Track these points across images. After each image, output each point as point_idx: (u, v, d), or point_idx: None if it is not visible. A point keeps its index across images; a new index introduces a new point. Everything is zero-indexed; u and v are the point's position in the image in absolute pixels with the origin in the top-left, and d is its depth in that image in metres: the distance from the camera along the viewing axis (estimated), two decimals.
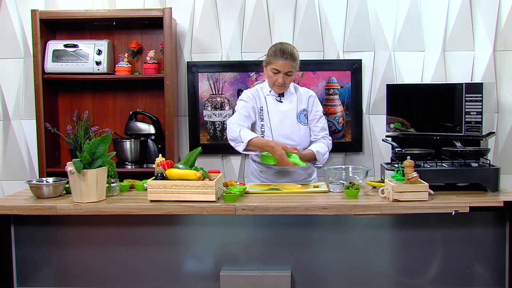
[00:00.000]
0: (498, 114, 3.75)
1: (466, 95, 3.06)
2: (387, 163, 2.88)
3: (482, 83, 3.05)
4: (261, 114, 3.04)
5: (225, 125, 3.80)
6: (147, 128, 3.75)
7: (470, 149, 2.84)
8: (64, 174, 2.64)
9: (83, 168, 2.43)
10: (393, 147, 3.07)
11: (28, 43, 3.85)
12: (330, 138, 3.15)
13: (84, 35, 3.83)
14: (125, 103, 3.88)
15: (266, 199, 2.51)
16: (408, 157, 2.57)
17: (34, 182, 2.62)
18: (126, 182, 2.81)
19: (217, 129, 3.84)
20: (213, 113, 3.84)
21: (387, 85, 3.43)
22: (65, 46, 3.63)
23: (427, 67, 3.76)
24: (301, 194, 2.62)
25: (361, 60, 3.77)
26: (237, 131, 2.88)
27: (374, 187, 2.69)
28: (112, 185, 2.63)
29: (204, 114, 3.85)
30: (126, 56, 3.72)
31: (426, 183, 2.42)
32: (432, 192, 2.43)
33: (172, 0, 3.81)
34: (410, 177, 2.40)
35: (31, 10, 3.57)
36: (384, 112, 3.46)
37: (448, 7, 3.72)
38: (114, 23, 3.76)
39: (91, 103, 3.88)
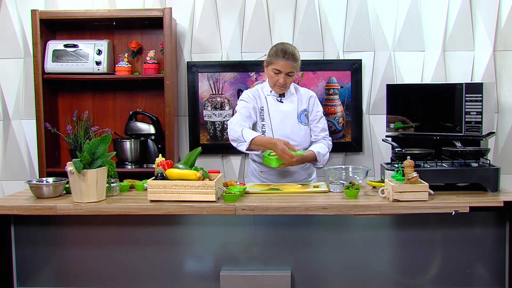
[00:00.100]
0: (498, 114, 3.75)
1: (466, 95, 3.07)
2: (387, 163, 2.87)
3: (482, 83, 3.05)
4: (261, 114, 3.04)
5: (225, 125, 3.80)
6: (147, 128, 3.75)
7: (470, 149, 2.84)
8: (64, 174, 2.64)
9: (83, 168, 2.43)
10: (393, 147, 3.07)
11: (28, 43, 3.86)
12: (330, 138, 3.16)
13: (84, 35, 3.83)
14: (125, 103, 3.88)
15: (266, 199, 2.51)
16: (408, 157, 2.57)
17: (34, 182, 2.62)
18: (126, 182, 2.81)
19: (217, 129, 3.84)
20: (213, 113, 3.84)
21: (387, 85, 3.43)
22: (65, 46, 3.63)
23: (427, 67, 3.76)
24: (301, 194, 2.62)
25: (361, 60, 3.77)
26: (239, 131, 2.88)
27: (374, 187, 2.70)
28: (112, 185, 2.63)
29: (204, 114, 3.85)
30: (126, 56, 3.73)
31: (426, 183, 2.42)
32: (432, 192, 2.43)
33: (172, 0, 3.81)
34: (410, 177, 2.40)
35: (31, 10, 3.57)
36: (384, 112, 3.46)
37: (448, 7, 3.72)
38: (114, 23, 3.76)
39: (91, 103, 3.88)
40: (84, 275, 2.56)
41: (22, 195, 2.69)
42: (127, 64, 3.68)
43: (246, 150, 2.87)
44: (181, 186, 2.43)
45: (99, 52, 3.61)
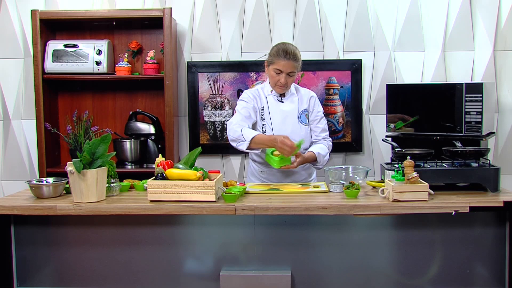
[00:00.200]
0: (498, 114, 3.75)
1: (466, 95, 3.07)
2: (387, 163, 2.87)
3: (482, 83, 3.05)
4: (262, 114, 3.05)
5: (225, 125, 3.80)
6: (147, 128, 3.75)
7: (470, 149, 2.84)
8: (64, 174, 2.64)
9: (83, 168, 2.43)
10: (393, 147, 3.07)
11: (28, 43, 3.86)
12: (330, 139, 3.16)
13: (84, 35, 3.83)
14: (125, 103, 3.88)
15: (266, 199, 2.51)
16: (408, 157, 2.57)
17: (34, 182, 2.62)
18: (126, 182, 2.81)
19: (217, 129, 3.84)
20: (213, 113, 3.84)
21: (387, 85, 3.43)
22: (65, 46, 3.63)
23: (427, 67, 3.76)
24: (301, 194, 2.62)
25: (361, 60, 3.77)
26: (239, 130, 2.88)
27: (374, 187, 2.69)
28: (112, 185, 2.63)
29: (204, 114, 3.85)
30: (126, 56, 3.73)
31: (426, 183, 2.42)
32: (432, 192, 2.43)
33: (172, 0, 3.81)
34: (410, 177, 2.40)
35: (31, 10, 3.57)
36: (384, 112, 3.46)
37: (448, 7, 3.72)
38: (114, 23, 3.76)
39: (91, 103, 3.88)
40: (84, 275, 2.56)
41: (22, 195, 2.69)
42: (127, 64, 3.68)
43: (247, 149, 2.87)
44: (181, 186, 2.43)
45: (99, 52, 3.61)
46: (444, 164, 2.72)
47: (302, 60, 3.02)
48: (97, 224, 2.54)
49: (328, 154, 3.09)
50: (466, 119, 3.06)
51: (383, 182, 2.62)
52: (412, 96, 3.34)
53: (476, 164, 2.70)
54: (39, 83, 3.60)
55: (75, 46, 3.63)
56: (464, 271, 2.48)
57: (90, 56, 3.61)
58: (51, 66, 3.61)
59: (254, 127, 3.05)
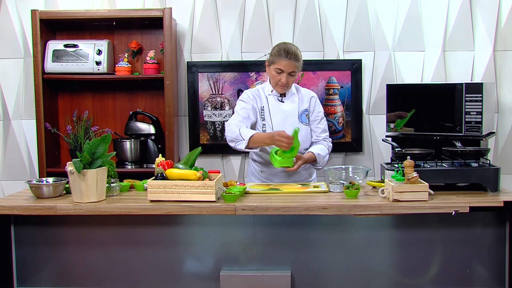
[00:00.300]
0: (498, 114, 3.75)
1: (466, 95, 3.07)
2: (387, 163, 2.87)
3: (482, 83, 3.06)
4: (262, 114, 3.05)
5: (225, 125, 3.80)
6: (147, 128, 3.75)
7: (470, 149, 2.84)
8: (64, 174, 2.64)
9: (83, 168, 2.43)
10: (393, 147, 3.07)
11: (28, 43, 3.86)
12: (331, 140, 3.17)
13: (84, 35, 3.83)
14: (125, 103, 3.88)
15: (266, 199, 2.51)
16: (408, 157, 2.57)
17: (34, 182, 2.62)
18: (126, 182, 2.81)
19: (217, 129, 3.84)
20: (213, 113, 3.84)
21: (387, 85, 3.43)
22: (65, 46, 3.63)
23: (427, 67, 3.76)
24: (301, 194, 2.62)
25: (361, 60, 3.77)
26: (237, 130, 2.89)
27: (374, 187, 2.69)
28: (112, 185, 2.63)
29: (204, 114, 3.85)
30: (126, 56, 3.73)
31: (426, 183, 2.42)
32: (432, 192, 2.43)
33: (172, 0, 3.81)
34: (410, 177, 2.40)
35: (31, 10, 3.57)
36: (384, 112, 3.46)
37: (448, 7, 3.72)
38: (114, 23, 3.76)
39: (91, 103, 3.88)
40: (84, 275, 2.56)
41: (22, 195, 2.69)
42: (127, 64, 3.68)
43: (245, 148, 2.88)
44: (181, 186, 2.43)
45: (99, 52, 3.61)
46: (444, 164, 2.72)
47: (302, 60, 3.02)
48: (97, 224, 2.54)
49: (328, 155, 3.10)
50: (466, 119, 3.06)
51: (383, 182, 2.61)
52: (412, 96, 3.34)
53: (476, 164, 2.70)
54: (39, 83, 3.60)
55: (75, 46, 3.63)
56: (464, 271, 2.48)
57: (90, 56, 3.61)
58: (51, 66, 3.61)
59: (253, 127, 3.05)
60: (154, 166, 2.73)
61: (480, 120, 3.02)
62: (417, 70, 3.77)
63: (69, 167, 2.45)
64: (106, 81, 3.74)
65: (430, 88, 3.36)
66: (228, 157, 3.90)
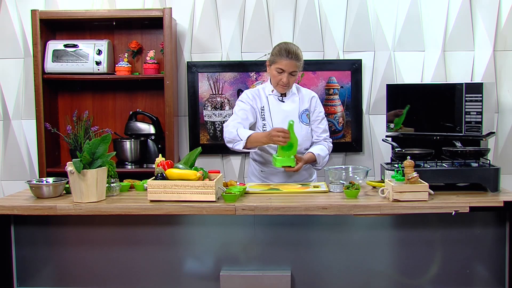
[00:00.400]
0: (498, 114, 3.75)
1: (466, 95, 3.07)
2: (387, 163, 2.87)
3: (482, 83, 3.06)
4: (262, 114, 3.05)
5: (223, 127, 3.80)
6: (147, 128, 3.75)
7: (470, 149, 2.84)
8: (64, 174, 2.64)
9: (83, 168, 2.43)
10: (393, 147, 3.07)
11: (28, 43, 3.86)
12: (331, 140, 3.17)
13: (84, 35, 3.83)
14: (125, 103, 3.88)
15: (266, 199, 2.51)
16: (408, 157, 2.57)
17: (34, 182, 2.62)
18: (126, 182, 2.81)
19: (217, 129, 3.84)
20: (213, 113, 3.84)
21: (387, 85, 3.43)
22: (65, 46, 3.63)
23: (427, 67, 3.76)
24: (301, 194, 2.62)
25: (361, 60, 3.77)
26: (234, 131, 2.90)
27: (374, 187, 2.69)
28: (112, 185, 2.63)
29: (204, 114, 3.85)
30: (126, 56, 3.72)
31: (426, 183, 2.42)
32: (432, 192, 2.43)
33: (172, 0, 3.81)
34: (410, 177, 2.40)
35: (31, 10, 3.57)
36: (384, 112, 3.46)
37: (448, 7, 3.72)
38: (114, 23, 3.76)
39: (91, 103, 3.88)
40: (84, 275, 2.56)
41: (22, 195, 2.69)
42: (127, 64, 3.68)
43: (243, 148, 2.88)
44: (181, 186, 2.43)
45: (99, 52, 3.61)
46: (444, 164, 2.72)
47: (303, 60, 3.02)
48: (97, 224, 2.54)
49: (328, 156, 3.10)
50: (466, 119, 3.06)
51: (383, 182, 2.61)
52: (412, 96, 3.34)
53: (476, 164, 2.70)
54: (39, 83, 3.60)
55: (75, 46, 3.63)
56: (464, 271, 2.48)
57: (90, 56, 3.61)
58: (51, 66, 3.61)
59: (253, 127, 3.06)
60: (154, 166, 2.73)
61: (480, 120, 3.02)
62: (417, 70, 3.77)
63: (69, 167, 2.45)
64: (106, 81, 3.74)
65: (430, 88, 3.36)
66: (228, 157, 3.90)
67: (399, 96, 3.37)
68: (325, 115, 3.20)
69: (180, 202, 2.42)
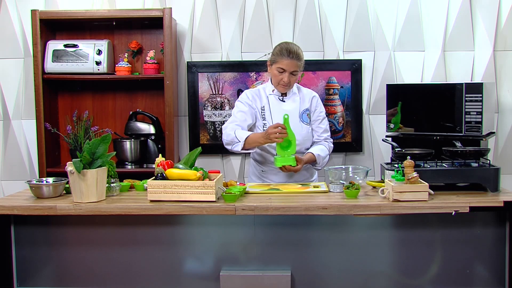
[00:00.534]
0: (498, 114, 3.75)
1: (466, 95, 3.07)
2: (387, 163, 2.87)
3: (482, 83, 3.06)
4: (262, 113, 3.05)
5: (222, 129, 3.80)
6: (147, 128, 3.75)
7: (470, 149, 2.84)
8: (64, 174, 2.64)
9: (83, 168, 2.43)
10: (393, 147, 3.07)
11: (28, 43, 3.85)
12: (332, 140, 3.17)
13: (84, 35, 3.83)
14: (125, 103, 3.88)
15: (266, 199, 2.51)
16: (408, 157, 2.57)
17: (34, 182, 2.62)
18: (126, 182, 2.81)
19: (217, 129, 3.84)
20: (213, 113, 3.84)
21: (387, 85, 3.44)
22: (65, 46, 3.63)
23: (427, 67, 3.76)
24: (301, 194, 2.62)
25: (361, 60, 3.77)
26: (232, 133, 2.92)
27: (374, 187, 2.69)
28: (112, 185, 2.63)
29: (204, 114, 3.85)
30: (126, 56, 3.72)
31: (426, 183, 2.42)
32: (432, 192, 2.43)
33: (172, 0, 3.81)
34: (410, 177, 2.40)
35: (31, 10, 3.57)
36: (384, 112, 3.47)
37: (448, 7, 3.72)
38: (114, 23, 3.76)
39: (91, 103, 3.88)
40: (84, 275, 2.56)
41: (22, 195, 2.69)
42: (127, 64, 3.68)
43: (242, 150, 2.90)
44: (181, 186, 2.43)
45: (99, 52, 3.61)
46: (444, 164, 2.72)
47: (304, 60, 3.02)
48: (97, 224, 2.54)
49: (328, 156, 3.10)
50: (466, 119, 3.06)
51: (383, 182, 2.61)
52: (412, 96, 3.34)
53: (476, 164, 2.70)
54: (39, 83, 3.60)
55: (75, 46, 3.63)
56: (464, 271, 2.48)
57: (90, 56, 3.61)
58: (51, 66, 3.61)
59: (253, 127, 3.06)
60: (154, 166, 2.73)
61: (480, 120, 3.02)
62: (417, 70, 3.77)
63: (69, 167, 2.45)
64: (106, 81, 3.74)
65: (430, 88, 3.36)
66: (228, 157, 3.90)
67: (399, 96, 3.37)
68: (326, 115, 3.20)
69: (180, 202, 2.42)
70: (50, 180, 2.66)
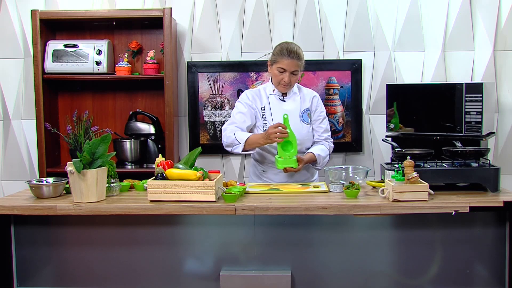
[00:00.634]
0: (498, 114, 3.75)
1: (466, 95, 3.07)
2: (387, 163, 2.87)
3: (482, 83, 3.05)
4: (263, 113, 3.05)
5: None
6: (147, 128, 3.75)
7: (470, 149, 2.84)
8: (64, 174, 2.64)
9: (83, 168, 2.43)
10: (393, 147, 3.07)
11: (28, 43, 3.86)
12: (332, 140, 3.17)
13: (84, 35, 3.83)
14: (125, 103, 3.88)
15: (266, 199, 2.51)
16: (408, 157, 2.57)
17: (34, 182, 2.62)
18: (126, 182, 2.81)
19: (217, 129, 3.84)
20: (213, 113, 3.84)
21: (387, 85, 3.43)
22: (65, 46, 3.63)
23: (427, 67, 3.76)
24: (301, 194, 2.62)
25: (361, 60, 3.77)
26: (232, 135, 2.93)
27: (374, 187, 2.69)
28: (112, 185, 2.63)
29: (204, 114, 3.85)
30: (126, 56, 3.72)
31: (426, 183, 2.42)
32: (432, 192, 2.43)
33: (172, 0, 3.81)
34: (410, 177, 2.40)
35: (31, 10, 3.57)
36: (384, 112, 3.46)
37: (448, 7, 3.72)
38: (114, 23, 3.76)
39: (91, 103, 3.88)
40: (84, 275, 2.56)
41: (22, 195, 2.69)
42: (127, 64, 3.68)
43: (242, 151, 2.90)
44: (181, 186, 2.43)
45: (99, 52, 3.61)
46: (444, 164, 2.72)
47: (304, 60, 3.02)
48: (97, 224, 2.54)
49: (329, 156, 3.11)
50: (466, 119, 3.06)
51: (383, 182, 2.61)
52: (412, 96, 3.34)
53: (476, 164, 2.70)
54: (39, 83, 3.60)
55: (75, 46, 3.63)
56: (464, 271, 2.48)
57: (90, 56, 3.61)
58: (51, 66, 3.61)
59: (254, 127, 3.06)
60: (154, 166, 2.73)
61: (480, 120, 3.02)
62: (417, 70, 3.77)
63: (69, 167, 2.45)
64: (106, 81, 3.74)
65: (430, 88, 3.36)
66: (228, 157, 3.90)
67: (399, 96, 3.37)
68: (326, 115, 3.20)
69: (180, 202, 2.42)
70: (50, 180, 2.66)
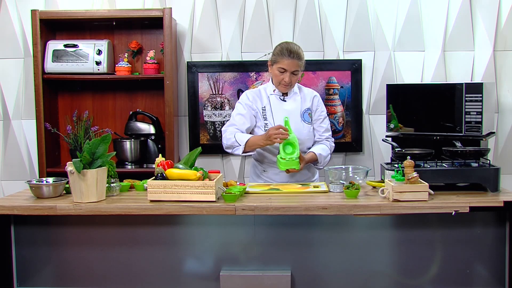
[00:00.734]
0: (498, 114, 3.75)
1: (466, 95, 3.07)
2: (387, 163, 2.87)
3: (482, 83, 3.05)
4: (264, 113, 3.05)
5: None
6: (147, 128, 3.75)
7: (470, 149, 2.84)
8: (64, 174, 2.64)
9: (83, 168, 2.43)
10: (393, 147, 3.07)
11: (28, 43, 3.86)
12: (333, 139, 3.17)
13: (84, 35, 3.83)
14: (125, 103, 3.88)
15: (266, 199, 2.51)
16: (408, 157, 2.57)
17: (34, 182, 2.62)
18: (126, 182, 2.81)
19: (217, 129, 3.84)
20: (213, 113, 3.84)
21: (387, 85, 3.43)
22: (65, 46, 3.63)
23: (427, 67, 3.76)
24: (301, 194, 2.62)
25: (361, 60, 3.77)
26: (232, 137, 2.94)
27: (374, 187, 2.69)
28: (112, 185, 2.63)
29: (204, 114, 3.85)
30: (126, 56, 3.72)
31: (426, 183, 2.42)
32: (432, 192, 2.43)
33: (172, 0, 3.81)
34: (410, 177, 2.40)
35: (31, 10, 3.57)
36: (384, 112, 3.46)
37: (448, 7, 3.72)
38: (114, 23, 3.76)
39: (91, 103, 3.88)
40: (84, 275, 2.56)
41: (22, 195, 2.69)
42: (127, 64, 3.68)
43: (243, 153, 2.91)
44: (181, 186, 2.43)
45: (99, 52, 3.61)
46: (444, 164, 2.72)
47: (305, 60, 3.03)
48: (97, 224, 2.54)
49: (330, 155, 3.11)
50: (466, 119, 3.06)
51: (383, 182, 2.61)
52: (412, 96, 3.34)
53: (476, 164, 2.70)
54: (39, 83, 3.60)
55: (75, 46, 3.63)
56: (464, 271, 2.48)
57: (90, 56, 3.61)
58: (51, 66, 3.61)
59: (254, 127, 3.06)
60: (154, 166, 2.72)
61: (480, 120, 3.02)
62: (417, 70, 3.77)
63: (69, 167, 2.45)
64: (106, 81, 3.74)
65: (430, 88, 3.36)
66: (228, 157, 3.90)
67: (399, 96, 3.37)
68: (327, 115, 3.20)
69: (180, 202, 2.42)
70: (50, 180, 2.66)
